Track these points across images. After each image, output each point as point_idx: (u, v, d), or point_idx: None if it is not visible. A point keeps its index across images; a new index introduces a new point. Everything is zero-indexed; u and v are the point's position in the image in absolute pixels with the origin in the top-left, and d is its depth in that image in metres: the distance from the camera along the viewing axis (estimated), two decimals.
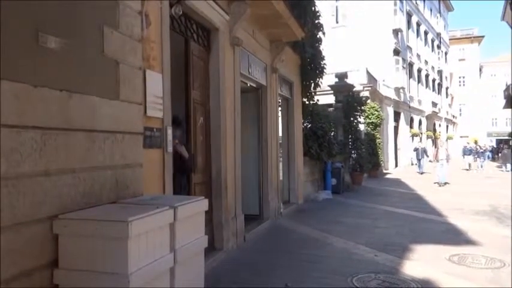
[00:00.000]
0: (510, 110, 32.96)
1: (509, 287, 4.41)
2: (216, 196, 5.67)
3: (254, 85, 7.84)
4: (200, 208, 3.20)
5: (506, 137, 43.26)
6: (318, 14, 11.30)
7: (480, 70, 54.11)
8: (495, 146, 36.80)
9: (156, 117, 3.96)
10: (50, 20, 2.55)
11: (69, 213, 2.56)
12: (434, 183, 15.56)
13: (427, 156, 22.25)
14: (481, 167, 25.09)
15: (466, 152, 25.40)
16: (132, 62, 3.34)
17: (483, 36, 53.47)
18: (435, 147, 36.66)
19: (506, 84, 25.36)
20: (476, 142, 35.77)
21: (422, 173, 20.77)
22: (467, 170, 23.70)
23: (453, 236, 6.90)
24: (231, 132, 6.07)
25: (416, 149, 22.37)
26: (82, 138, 2.79)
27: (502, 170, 24.27)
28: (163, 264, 2.66)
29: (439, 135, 38.55)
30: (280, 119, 9.81)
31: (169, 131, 4.19)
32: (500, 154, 28.09)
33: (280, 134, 9.76)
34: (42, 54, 2.48)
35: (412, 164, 22.63)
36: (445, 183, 15.34)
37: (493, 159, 31.95)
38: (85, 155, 2.81)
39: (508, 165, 24.72)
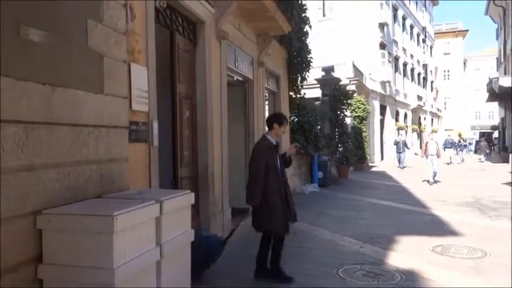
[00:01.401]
0: (493, 103, 33.57)
1: (490, 275, 4.52)
2: (203, 190, 5.67)
3: (241, 79, 7.82)
4: (186, 202, 3.21)
5: (489, 130, 44.03)
6: (305, 7, 11.30)
7: (464, 64, 54.82)
8: (477, 139, 37.48)
9: (141, 111, 3.93)
10: (32, 12, 2.50)
11: (53, 208, 2.55)
12: (424, 181, 14.03)
13: (408, 148, 21.49)
14: (462, 160, 24.75)
15: (448, 145, 24.62)
16: (116, 55, 3.31)
17: (467, 31, 54.12)
18: (421, 141, 37.22)
19: (490, 78, 25.77)
20: (460, 135, 36.31)
21: (403, 168, 19.78)
22: (449, 163, 22.77)
23: (437, 227, 7.02)
24: (217, 126, 6.06)
25: (396, 143, 21.20)
26: (66, 132, 2.76)
27: (482, 161, 24.82)
28: (149, 258, 2.66)
29: (424, 128, 39.05)
30: (267, 112, 9.81)
31: (155, 125, 4.16)
32: (477, 146, 28.53)
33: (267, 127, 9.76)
34: (24, 47, 2.44)
35: (396, 158, 21.18)
36: (436, 182, 13.77)
37: (475, 151, 32.38)
38: (69, 149, 2.78)
39: (483, 157, 25.42)
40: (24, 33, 2.43)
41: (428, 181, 13.78)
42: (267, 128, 4.73)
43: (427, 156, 14.14)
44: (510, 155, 14.60)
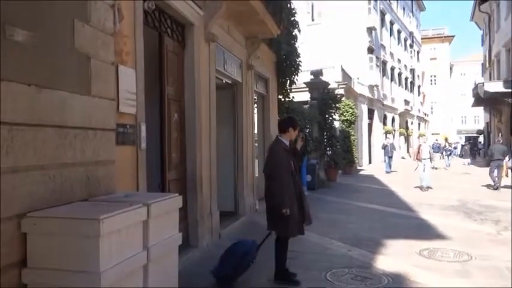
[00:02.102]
0: (479, 108, 34.12)
1: (476, 278, 4.57)
2: (191, 193, 5.63)
3: (229, 81, 7.82)
4: (174, 205, 3.18)
5: (475, 135, 44.69)
6: (294, 11, 11.37)
7: (451, 69, 55.64)
8: (463, 144, 38.04)
9: (129, 114, 3.90)
10: (17, 12, 2.46)
11: (38, 211, 2.50)
12: (416, 187, 13.23)
13: (394, 150, 20.98)
14: (448, 166, 24.04)
15: (435, 149, 24.02)
16: (104, 57, 3.27)
17: (453, 36, 54.98)
18: (408, 144, 37.60)
19: (475, 83, 26.19)
20: (446, 139, 36.78)
21: (391, 172, 19.27)
22: (435, 168, 21.39)
23: (423, 231, 7.09)
24: (206, 128, 6.04)
25: (384, 146, 20.42)
26: (52, 134, 2.72)
27: (465, 164, 25.19)
28: (136, 262, 2.63)
29: (412, 132, 39.47)
30: (255, 115, 9.82)
31: (143, 128, 4.13)
32: (462, 151, 28.87)
33: (256, 130, 9.78)
34: (9, 48, 2.39)
35: (385, 162, 20.27)
36: (428, 188, 12.94)
37: (461, 155, 32.72)
38: (55, 151, 2.74)
39: (467, 160, 25.78)
40: (9, 34, 2.39)
41: (421, 187, 12.95)
42: (278, 131, 4.79)
43: (420, 160, 13.23)
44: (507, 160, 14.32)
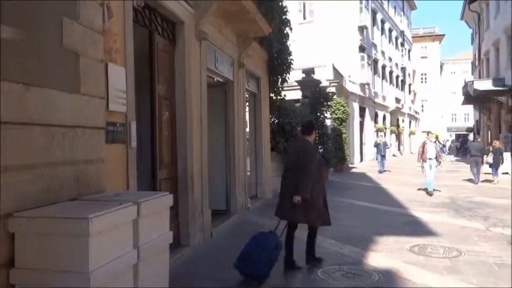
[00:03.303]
0: (468, 106, 34.45)
1: (465, 274, 4.62)
2: (183, 191, 5.62)
3: (221, 80, 7.80)
4: (165, 204, 3.17)
5: (465, 132, 45.13)
6: (285, 9, 11.36)
7: (441, 68, 56.09)
8: (452, 141, 38.37)
9: (119, 112, 3.87)
10: (4, 9, 2.43)
11: (26, 210, 2.47)
12: (419, 189, 12.16)
13: (388, 148, 20.26)
14: (439, 164, 24.02)
15: None
16: (93, 55, 3.24)
17: (444, 35, 55.40)
18: (399, 142, 37.83)
19: (465, 82, 26.44)
20: (437, 137, 37.04)
21: (384, 171, 18.46)
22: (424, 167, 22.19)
23: (414, 228, 7.15)
24: (197, 127, 6.02)
25: (377, 144, 19.52)
26: (40, 132, 2.69)
27: (452, 161, 25.45)
28: (126, 261, 2.61)
29: (403, 130, 39.73)
30: (247, 114, 9.81)
31: (133, 126, 4.11)
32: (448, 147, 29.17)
33: (248, 129, 9.77)
34: None
35: (377, 160, 19.54)
36: (434, 191, 11.58)
37: (448, 153, 32.73)
38: (43, 150, 2.71)
39: (452, 157, 25.98)
40: None
41: (426, 191, 11.58)
42: (301, 133, 5.25)
43: (424, 161, 11.70)
44: (487, 157, 15.04)
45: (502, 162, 14.64)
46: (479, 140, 17.33)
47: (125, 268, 2.62)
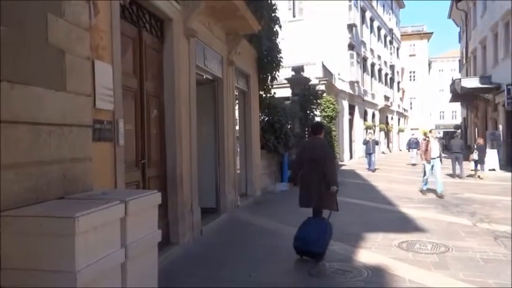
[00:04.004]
0: (456, 103, 34.86)
1: (452, 270, 4.68)
2: (172, 190, 5.59)
3: (210, 77, 7.77)
4: (153, 202, 3.14)
5: (452, 129, 45.68)
6: (275, 7, 11.36)
7: (429, 65, 56.61)
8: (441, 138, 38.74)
9: (106, 110, 3.83)
10: None
11: (12, 210, 2.43)
12: (423, 190, 10.89)
13: (377, 144, 19.69)
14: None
15: (412, 145, 22.05)
16: (79, 52, 3.20)
17: (432, 33, 55.85)
18: (388, 140, 38.14)
19: (453, 80, 26.72)
20: (425, 134, 37.34)
21: (374, 170, 17.82)
22: (413, 164, 20.74)
23: (403, 224, 7.21)
24: (186, 124, 5.99)
25: (366, 142, 18.79)
26: (26, 131, 2.65)
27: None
28: (114, 260, 2.59)
29: (391, 127, 40.06)
30: (237, 111, 9.80)
31: (121, 124, 4.07)
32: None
33: (237, 127, 9.76)
34: None
35: (367, 159, 18.85)
36: (441, 196, 10.14)
37: None
38: (29, 148, 2.67)
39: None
40: None
41: (436, 193, 10.36)
42: (312, 133, 6.09)
43: (428, 161, 10.57)
44: (473, 154, 15.54)
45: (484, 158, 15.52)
46: (459, 137, 18.20)
47: (113, 267, 2.59)
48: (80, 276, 2.23)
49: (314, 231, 5.20)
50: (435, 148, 10.63)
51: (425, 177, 10.91)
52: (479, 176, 14.79)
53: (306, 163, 5.61)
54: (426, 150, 10.65)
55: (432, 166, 10.55)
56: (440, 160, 10.79)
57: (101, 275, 2.44)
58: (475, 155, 15.24)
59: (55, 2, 2.95)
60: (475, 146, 15.87)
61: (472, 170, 15.35)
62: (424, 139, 11.30)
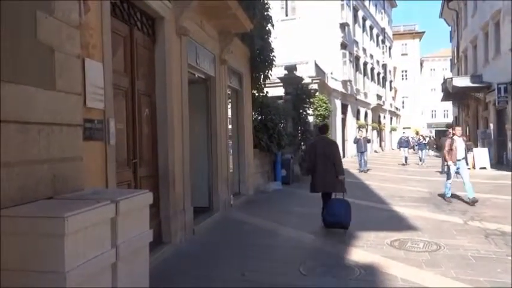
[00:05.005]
0: (447, 102, 35.09)
1: (444, 268, 4.70)
2: (164, 189, 5.56)
3: (202, 76, 7.74)
4: (144, 201, 3.12)
5: (444, 128, 46.04)
6: (267, 6, 11.36)
7: (421, 65, 56.99)
8: (433, 137, 39.03)
9: (97, 109, 3.80)
10: None
11: (1, 210, 2.40)
12: (446, 198, 9.36)
13: (369, 142, 18.90)
14: (421, 160, 21.07)
15: (403, 144, 21.21)
16: (69, 50, 3.16)
17: (423, 32, 56.24)
18: (380, 138, 38.35)
19: (444, 78, 26.91)
20: (418, 133, 37.65)
21: (367, 171, 16.95)
22: (404, 164, 20.29)
23: (395, 222, 7.24)
24: (178, 123, 5.96)
25: (357, 140, 17.62)
26: (15, 130, 2.61)
27: (429, 155, 25.89)
28: (104, 260, 2.56)
29: (384, 126, 40.26)
30: (229, 110, 9.77)
31: (112, 123, 4.03)
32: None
33: (230, 126, 9.74)
34: None
35: (358, 158, 17.86)
36: (474, 201, 8.68)
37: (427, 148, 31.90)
38: (18, 148, 2.63)
39: (432, 152, 26.39)
40: None
41: (469, 200, 8.81)
42: (320, 133, 7.50)
43: (454, 163, 9.11)
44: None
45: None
46: (448, 135, 18.53)
47: (103, 267, 2.57)
48: (69, 277, 2.20)
49: (340, 208, 6.52)
50: (461, 148, 9.19)
51: (449, 182, 9.36)
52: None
53: (318, 157, 6.86)
54: (451, 150, 9.19)
55: (457, 169, 9.15)
56: (466, 162, 9.40)
57: (91, 275, 2.41)
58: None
59: (44, 0, 2.91)
60: None
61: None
62: (450, 136, 9.70)
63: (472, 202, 8.71)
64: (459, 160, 9.14)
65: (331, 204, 6.68)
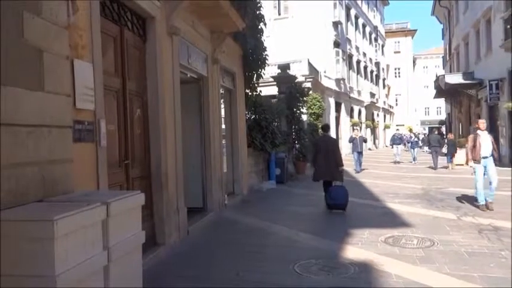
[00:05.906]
0: (440, 99, 35.25)
1: (438, 264, 4.72)
2: (157, 190, 5.52)
3: (195, 76, 7.70)
4: (136, 203, 3.09)
5: (437, 125, 46.28)
6: (259, 4, 11.33)
7: (414, 62, 57.25)
8: (424, 134, 39.22)
9: (87, 110, 3.76)
10: None
11: None
12: (481, 206, 7.77)
13: (365, 142, 18.09)
14: (414, 159, 20.62)
15: (396, 141, 20.24)
16: (57, 51, 3.12)
17: (416, 30, 56.52)
18: (374, 136, 38.44)
19: (437, 76, 27.03)
20: (411, 130, 37.82)
21: (360, 171, 16.02)
22: (397, 162, 19.80)
23: (389, 219, 7.26)
24: (170, 124, 5.92)
25: (352, 139, 16.59)
26: (3, 133, 2.58)
27: (424, 151, 26.48)
28: (96, 263, 2.54)
29: (377, 124, 40.39)
30: (223, 110, 9.74)
31: (103, 124, 4.00)
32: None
33: (224, 125, 9.71)
34: None
35: (354, 158, 16.63)
36: (490, 207, 7.67)
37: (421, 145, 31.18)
38: (6, 150, 2.60)
39: (426, 149, 26.50)
40: None
41: (484, 204, 7.73)
42: (323, 131, 9.35)
43: (478, 161, 7.79)
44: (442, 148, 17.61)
45: (455, 151, 16.88)
46: (436, 132, 20.43)
47: (95, 270, 2.55)
48: (59, 281, 2.18)
49: (340, 192, 8.06)
50: (486, 144, 7.82)
51: (479, 184, 7.85)
52: (449, 167, 16.78)
53: (321, 151, 8.44)
54: (474, 146, 7.82)
55: (484, 167, 7.82)
56: (494, 159, 8.00)
57: (82, 278, 2.39)
58: (444, 149, 17.50)
59: (31, 0, 2.87)
60: (445, 141, 17.87)
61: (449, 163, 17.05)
62: (476, 131, 8.16)
63: (486, 207, 7.68)
64: (485, 158, 7.78)
65: (332, 190, 8.17)
